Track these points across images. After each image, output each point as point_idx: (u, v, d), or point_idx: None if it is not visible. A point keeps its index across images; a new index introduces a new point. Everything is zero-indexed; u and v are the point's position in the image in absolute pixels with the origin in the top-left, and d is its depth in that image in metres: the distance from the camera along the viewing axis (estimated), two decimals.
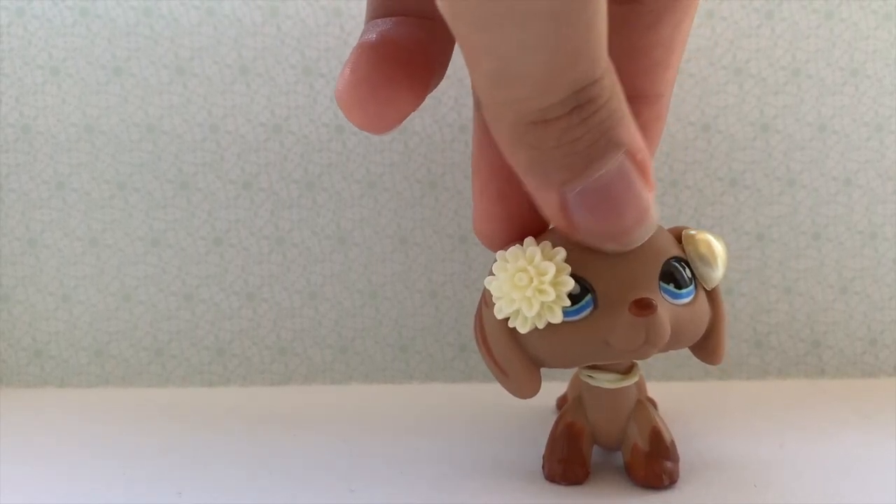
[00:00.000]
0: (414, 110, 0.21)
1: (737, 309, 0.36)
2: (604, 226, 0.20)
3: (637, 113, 0.20)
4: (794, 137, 0.35)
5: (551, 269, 0.21)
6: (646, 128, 0.23)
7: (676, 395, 0.31)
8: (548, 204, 0.20)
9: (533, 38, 0.17)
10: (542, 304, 0.21)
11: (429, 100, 0.35)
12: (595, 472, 0.25)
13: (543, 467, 0.25)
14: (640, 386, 0.29)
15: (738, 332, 0.36)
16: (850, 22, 0.35)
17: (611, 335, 0.21)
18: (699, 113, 0.35)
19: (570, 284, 0.21)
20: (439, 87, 0.35)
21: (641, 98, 0.23)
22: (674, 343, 0.22)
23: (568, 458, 0.24)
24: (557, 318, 0.21)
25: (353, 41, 0.35)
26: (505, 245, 0.23)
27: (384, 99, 0.21)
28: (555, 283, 0.21)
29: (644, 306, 0.20)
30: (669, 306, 0.21)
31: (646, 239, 0.21)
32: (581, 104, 0.18)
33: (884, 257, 0.35)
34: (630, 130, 0.19)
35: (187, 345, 0.36)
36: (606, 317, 0.21)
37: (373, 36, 0.21)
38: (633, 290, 0.21)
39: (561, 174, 0.19)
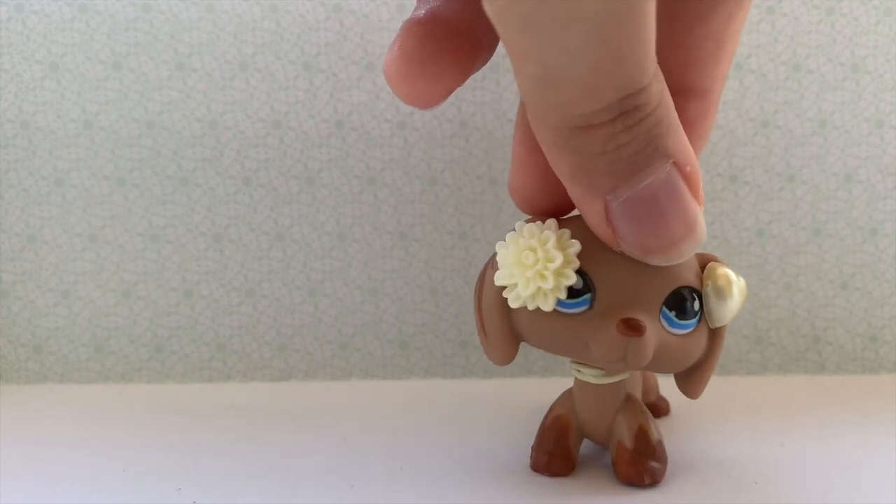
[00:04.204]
0: (460, 85, 0.21)
1: None
2: (648, 238, 0.19)
3: (683, 108, 0.20)
4: (795, 133, 0.35)
5: (559, 258, 0.20)
6: (692, 124, 0.23)
7: (676, 391, 0.31)
8: (592, 212, 0.20)
9: (579, 42, 0.16)
10: (539, 288, 0.21)
11: None
12: (585, 466, 0.25)
13: (531, 457, 0.25)
14: (650, 386, 0.29)
15: (738, 329, 0.36)
16: (851, 17, 0.35)
17: (593, 341, 0.21)
18: None
19: (572, 280, 0.20)
20: None
21: (688, 92, 0.23)
22: (653, 367, 0.22)
23: (553, 450, 0.25)
24: (549, 306, 0.21)
25: (353, 36, 0.35)
26: (536, 206, 0.23)
27: (431, 75, 0.20)
28: (557, 273, 0.20)
29: (632, 328, 0.20)
30: (662, 332, 0.21)
31: (692, 254, 0.20)
32: (627, 111, 0.18)
33: (884, 253, 0.35)
34: (679, 141, 0.19)
35: (187, 341, 0.36)
36: (596, 321, 0.21)
37: (421, 13, 0.21)
38: (631, 306, 0.21)
39: (605, 182, 0.19)
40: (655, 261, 0.20)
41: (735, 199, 0.35)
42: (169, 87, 0.35)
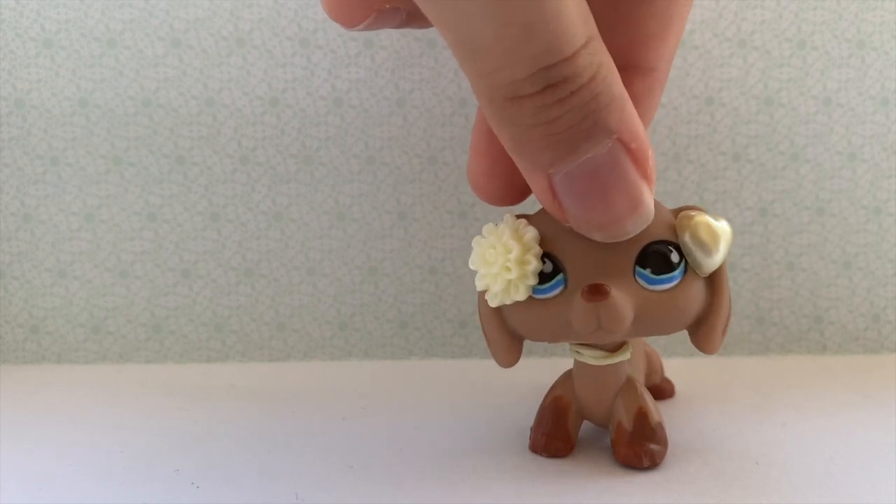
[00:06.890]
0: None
1: (739, 284, 0.35)
2: (591, 213, 0.20)
3: (627, 84, 0.20)
4: (799, 111, 0.35)
5: (515, 247, 0.21)
6: (636, 101, 0.22)
7: (678, 372, 0.31)
8: (537, 187, 0.20)
9: (477, 8, 0.17)
10: (508, 281, 0.21)
11: (428, 72, 0.34)
12: (584, 447, 0.25)
13: (529, 438, 0.25)
14: (654, 368, 0.29)
15: (740, 308, 0.35)
16: None
17: (570, 316, 0.21)
18: (702, 86, 0.35)
19: (534, 264, 0.21)
20: (438, 59, 0.34)
21: (633, 69, 0.23)
22: (648, 329, 0.22)
23: (551, 431, 0.25)
24: (521, 295, 0.21)
25: None
26: (493, 194, 0.23)
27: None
28: (519, 262, 0.21)
29: (594, 292, 0.20)
30: (641, 292, 0.21)
31: (638, 231, 0.20)
32: (554, 83, 0.18)
33: (888, 233, 0.35)
34: (622, 117, 0.19)
35: (185, 321, 0.36)
36: (571, 298, 0.21)
37: None
38: (601, 274, 0.21)
39: (544, 155, 0.19)
40: (600, 237, 0.20)
41: (738, 178, 0.35)
42: (164, 65, 0.34)
